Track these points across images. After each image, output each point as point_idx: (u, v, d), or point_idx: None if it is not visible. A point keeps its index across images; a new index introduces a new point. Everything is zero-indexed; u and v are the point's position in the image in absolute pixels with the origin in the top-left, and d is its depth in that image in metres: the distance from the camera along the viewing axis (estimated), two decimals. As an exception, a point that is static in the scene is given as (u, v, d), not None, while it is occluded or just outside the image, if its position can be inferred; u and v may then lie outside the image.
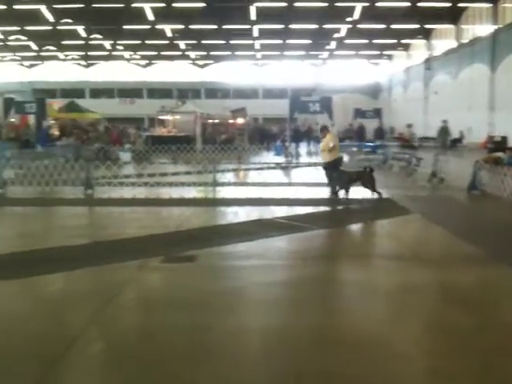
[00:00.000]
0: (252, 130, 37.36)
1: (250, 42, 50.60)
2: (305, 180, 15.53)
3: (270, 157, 26.48)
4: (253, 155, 27.16)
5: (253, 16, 41.55)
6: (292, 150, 26.09)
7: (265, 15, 40.96)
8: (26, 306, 5.49)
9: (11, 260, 6.99)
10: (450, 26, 42.25)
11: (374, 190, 12.21)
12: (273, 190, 13.58)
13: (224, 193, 13.75)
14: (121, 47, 54.16)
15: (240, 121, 34.98)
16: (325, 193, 12.69)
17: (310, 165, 17.46)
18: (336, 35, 46.11)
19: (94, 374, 4.04)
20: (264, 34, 46.69)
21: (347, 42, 48.71)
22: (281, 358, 4.21)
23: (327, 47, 52.44)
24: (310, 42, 49.87)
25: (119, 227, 9.56)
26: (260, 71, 62.17)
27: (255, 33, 46.71)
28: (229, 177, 16.72)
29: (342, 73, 60.96)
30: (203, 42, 50.20)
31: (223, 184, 14.83)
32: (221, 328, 4.80)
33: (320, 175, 13.34)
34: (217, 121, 36.61)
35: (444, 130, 24.55)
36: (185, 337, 4.62)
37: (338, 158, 12.71)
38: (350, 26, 43.26)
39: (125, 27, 44.02)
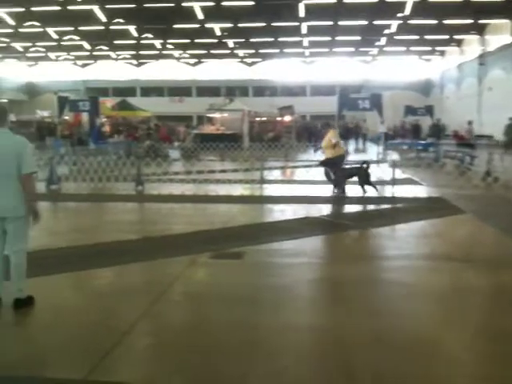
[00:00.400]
0: (299, 128, 37.21)
1: (299, 39, 50.35)
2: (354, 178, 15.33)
3: (317, 154, 26.27)
4: (300, 153, 27.06)
5: (301, 13, 41.35)
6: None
7: (313, 12, 40.68)
8: (79, 298, 5.65)
9: (65, 254, 7.21)
10: (505, 21, 40.80)
11: (371, 185, 12.47)
12: (320, 188, 13.50)
13: (271, 190, 13.76)
14: (171, 46, 54.95)
15: (287, 118, 34.90)
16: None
17: (358, 163, 17.29)
18: (386, 31, 45.27)
19: (143, 367, 4.11)
20: (313, 30, 46.38)
21: (398, 37, 47.74)
22: (330, 357, 4.18)
23: (377, 43, 51.57)
24: (359, 38, 49.19)
25: (168, 223, 9.72)
26: (308, 68, 61.81)
27: (304, 30, 46.48)
28: (276, 174, 16.72)
29: (392, 69, 59.84)
30: (251, 39, 50.32)
31: (270, 181, 14.84)
32: (269, 324, 4.81)
33: (372, 173, 13.20)
34: (264, 118, 36.63)
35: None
36: (234, 332, 4.65)
37: (341, 155, 12.85)
38: (401, 21, 42.39)
39: (175, 26, 44.62)
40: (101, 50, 57.17)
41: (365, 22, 43.40)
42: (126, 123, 34.32)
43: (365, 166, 12.74)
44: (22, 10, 40.39)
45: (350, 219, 9.75)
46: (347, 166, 13.39)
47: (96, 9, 41.42)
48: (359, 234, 8.97)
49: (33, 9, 40.16)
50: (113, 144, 24.20)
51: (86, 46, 55.53)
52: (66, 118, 32.16)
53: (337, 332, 4.65)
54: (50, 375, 3.87)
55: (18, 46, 57.71)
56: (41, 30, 47.74)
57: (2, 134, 5.07)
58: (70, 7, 39.57)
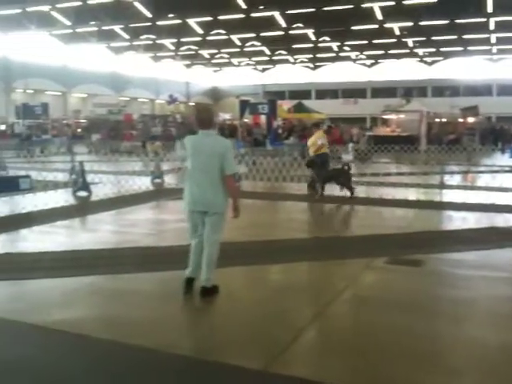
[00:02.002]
0: (484, 130, 34.57)
1: (486, 35, 46.87)
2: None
3: (505, 159, 24.19)
4: (485, 157, 25.12)
5: (489, 8, 38.36)
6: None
7: (503, 6, 37.46)
8: (256, 291, 5.84)
9: (242, 248, 7.53)
10: None
11: (349, 187, 12.48)
12: (509, 196, 12.35)
13: (451, 196, 12.94)
14: (348, 48, 54.89)
15: (471, 120, 32.65)
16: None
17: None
18: None
19: (316, 364, 4.11)
20: (501, 26, 42.78)
21: None
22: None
23: None
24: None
25: (341, 224, 9.67)
26: (494, 66, 57.21)
27: (491, 26, 43.10)
28: (457, 179, 15.71)
29: None
30: (433, 38, 48.05)
31: (451, 187, 13.97)
32: (447, 337, 4.53)
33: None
34: (444, 120, 34.73)
35: None
36: (409, 340, 4.46)
37: (325, 153, 13.13)
38: None
39: (353, 28, 44.39)
40: (280, 54, 59.26)
41: None
42: (301, 125, 35.04)
43: (346, 168, 12.86)
44: (210, 19, 43.40)
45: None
46: (330, 168, 13.46)
47: (277, 15, 42.96)
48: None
49: (219, 17, 42.92)
50: (288, 145, 24.85)
51: (266, 51, 57.90)
52: (246, 120, 33.86)
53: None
54: (232, 362, 4.03)
55: (205, 53, 62.26)
56: (226, 37, 50.86)
57: (210, 136, 5.44)
58: (252, 14, 41.56)
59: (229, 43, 53.95)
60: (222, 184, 5.35)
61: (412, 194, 13.04)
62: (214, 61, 65.66)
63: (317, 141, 13.15)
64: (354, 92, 62.92)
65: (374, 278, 6.48)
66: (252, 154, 20.54)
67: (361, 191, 13.21)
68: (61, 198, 11.74)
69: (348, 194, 12.54)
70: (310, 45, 52.74)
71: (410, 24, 43.18)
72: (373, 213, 11.11)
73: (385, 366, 4.00)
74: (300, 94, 59.50)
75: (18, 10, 41.83)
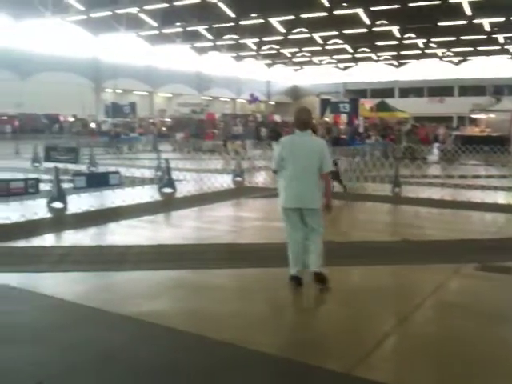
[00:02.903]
0: None
1: None
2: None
3: None
4: None
5: None
6: None
7: None
8: (339, 293, 5.74)
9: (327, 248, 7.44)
10: None
11: (340, 182, 12.36)
12: None
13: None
14: (434, 45, 53.11)
15: None
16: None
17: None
18: None
19: (399, 371, 3.99)
20: None
21: None
22: None
23: None
24: None
25: (426, 228, 9.33)
26: None
27: None
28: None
29: None
30: (527, 33, 45.50)
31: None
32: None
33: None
34: (538, 120, 32.68)
35: None
36: (499, 352, 4.24)
37: None
38: None
39: (440, 24, 42.86)
40: (363, 52, 58.28)
41: None
42: (384, 124, 34.28)
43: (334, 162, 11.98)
44: (293, 17, 43.43)
45: None
46: None
47: (360, 12, 42.28)
48: None
49: (302, 16, 42.86)
50: (370, 145, 24.37)
51: (349, 49, 57.16)
52: (326, 119, 33.57)
53: None
54: (315, 363, 3.99)
55: (287, 51, 62.42)
56: (308, 35, 50.70)
57: (306, 136, 5.66)
58: (335, 12, 41.16)
59: (310, 41, 53.77)
60: (318, 182, 5.57)
61: (502, 198, 12.38)
62: (294, 59, 65.71)
63: None
64: (440, 90, 60.79)
65: (463, 285, 6.21)
66: (332, 154, 20.30)
67: (447, 194, 12.72)
68: (147, 194, 12.17)
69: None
70: (395, 42, 51.53)
71: (502, 19, 41.11)
72: (461, 216, 10.65)
73: (470, 378, 3.82)
74: (382, 92, 58.26)
75: (109, 13, 43.87)
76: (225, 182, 14.42)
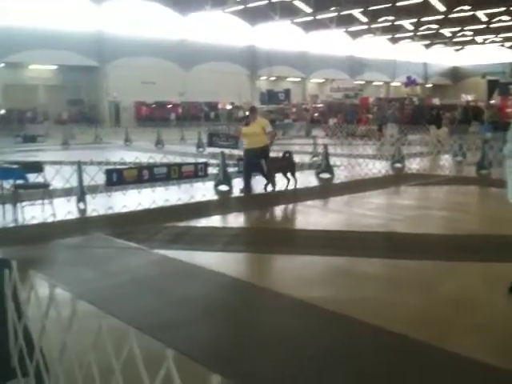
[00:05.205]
0: None
1: None
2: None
3: None
4: None
5: None
6: None
7: None
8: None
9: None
10: None
11: (293, 175, 11.22)
12: None
13: None
14: None
15: None
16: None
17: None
18: None
19: None
20: None
21: None
22: None
23: None
24: None
25: None
26: None
27: None
28: None
29: None
30: None
31: None
32: None
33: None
34: None
35: None
36: None
37: (268, 144, 10.96)
38: None
39: None
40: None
41: None
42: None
43: (287, 155, 11.34)
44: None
45: None
46: (274, 157, 11.50)
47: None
48: None
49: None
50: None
51: (517, 25, 52.29)
52: (493, 102, 31.05)
53: None
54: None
55: (446, 31, 58.90)
56: (470, 13, 47.35)
57: None
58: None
59: (473, 20, 50.15)
60: None
61: None
62: (455, 39, 61.80)
63: (266, 128, 10.91)
64: None
65: None
66: (500, 139, 18.69)
67: None
68: (306, 179, 12.24)
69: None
70: None
71: None
72: None
73: None
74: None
75: (265, 2, 44.87)
76: (383, 168, 13.99)
